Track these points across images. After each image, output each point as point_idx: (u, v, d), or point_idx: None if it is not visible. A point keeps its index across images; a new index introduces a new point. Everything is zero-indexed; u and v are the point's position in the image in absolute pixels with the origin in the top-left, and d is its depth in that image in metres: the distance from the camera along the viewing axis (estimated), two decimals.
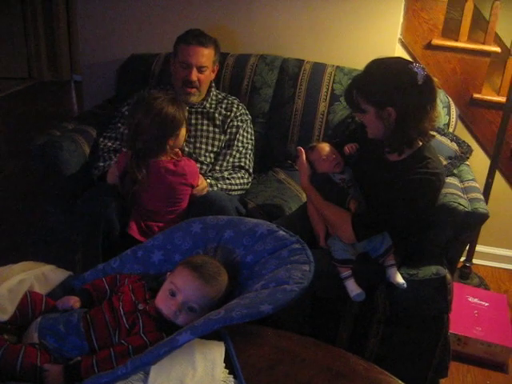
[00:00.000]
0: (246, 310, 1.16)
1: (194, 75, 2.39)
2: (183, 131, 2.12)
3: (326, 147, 2.02)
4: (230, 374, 1.30)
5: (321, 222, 1.98)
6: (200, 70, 2.40)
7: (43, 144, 2.29)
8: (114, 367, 1.21)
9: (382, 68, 1.81)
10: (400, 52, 2.82)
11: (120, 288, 1.45)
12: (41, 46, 6.19)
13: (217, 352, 1.33)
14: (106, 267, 1.57)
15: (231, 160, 2.45)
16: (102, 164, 2.32)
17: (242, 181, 2.41)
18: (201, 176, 2.21)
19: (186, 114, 2.16)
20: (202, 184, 2.19)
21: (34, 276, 1.47)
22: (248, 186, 2.47)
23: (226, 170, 2.42)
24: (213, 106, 2.52)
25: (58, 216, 2.33)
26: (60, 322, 1.34)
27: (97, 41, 3.12)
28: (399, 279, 1.87)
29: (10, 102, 5.66)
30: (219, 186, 2.30)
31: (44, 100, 5.85)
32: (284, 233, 1.46)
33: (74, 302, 1.42)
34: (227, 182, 2.35)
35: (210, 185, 2.26)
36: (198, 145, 2.43)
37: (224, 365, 1.31)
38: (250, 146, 2.53)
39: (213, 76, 2.52)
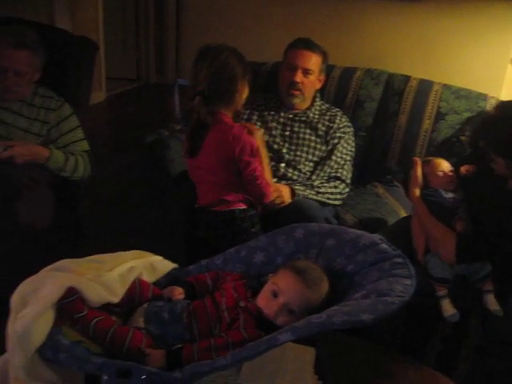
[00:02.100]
0: (347, 316, 1.17)
1: (299, 77, 2.44)
2: (246, 89, 2.02)
3: (443, 163, 2.00)
4: (319, 380, 1.32)
5: (422, 237, 1.95)
6: (305, 73, 2.45)
7: (153, 142, 2.43)
8: (212, 358, 1.24)
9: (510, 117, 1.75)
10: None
11: (222, 284, 1.50)
12: (150, 51, 6.62)
13: (307, 356, 1.35)
14: (210, 263, 1.62)
15: (328, 170, 2.47)
16: None
17: (335, 190, 2.42)
18: (276, 185, 2.19)
19: (249, 71, 2.03)
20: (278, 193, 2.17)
21: (143, 264, 1.53)
22: (343, 196, 2.47)
23: (320, 180, 2.44)
24: (316, 116, 2.55)
25: (160, 211, 2.44)
26: (165, 310, 1.40)
27: None
28: (495, 306, 1.80)
29: (119, 100, 6.04)
30: (305, 193, 2.31)
31: (149, 100, 6.20)
32: (386, 246, 1.47)
33: (179, 292, 1.47)
34: (315, 189, 2.36)
35: (300, 191, 2.29)
36: (298, 153, 2.48)
37: (313, 370, 1.33)
38: (348, 158, 2.53)
39: (318, 85, 2.55)
